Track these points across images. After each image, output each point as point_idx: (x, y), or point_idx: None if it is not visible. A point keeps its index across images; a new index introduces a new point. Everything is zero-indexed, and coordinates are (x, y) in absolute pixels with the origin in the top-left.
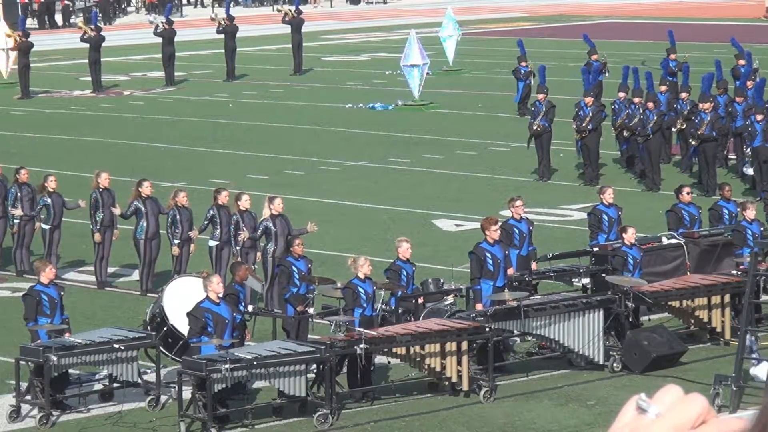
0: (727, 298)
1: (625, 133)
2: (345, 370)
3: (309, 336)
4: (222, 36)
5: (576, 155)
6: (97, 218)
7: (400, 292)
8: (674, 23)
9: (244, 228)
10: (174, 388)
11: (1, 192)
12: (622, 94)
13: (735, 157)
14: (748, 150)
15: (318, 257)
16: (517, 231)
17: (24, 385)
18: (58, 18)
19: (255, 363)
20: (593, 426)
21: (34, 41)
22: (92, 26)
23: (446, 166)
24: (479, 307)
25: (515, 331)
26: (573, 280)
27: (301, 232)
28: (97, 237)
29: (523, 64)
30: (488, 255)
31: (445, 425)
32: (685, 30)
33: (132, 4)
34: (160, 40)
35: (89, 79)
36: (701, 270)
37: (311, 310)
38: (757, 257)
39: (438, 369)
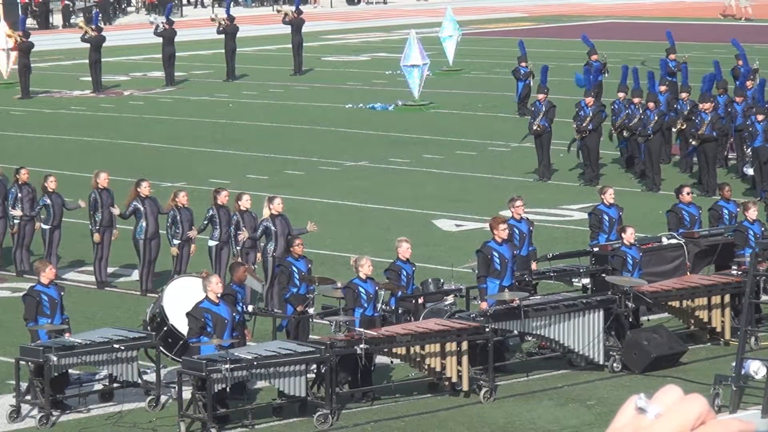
0: (727, 298)
1: (625, 133)
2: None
3: (309, 336)
4: (222, 36)
5: (570, 154)
6: (97, 218)
7: (400, 292)
8: (674, 23)
9: (244, 228)
10: (174, 388)
11: (1, 192)
12: (621, 95)
13: (735, 157)
14: (749, 150)
15: (318, 257)
16: (517, 231)
17: (24, 385)
18: (58, 18)
19: (255, 363)
20: (593, 426)
21: (34, 41)
22: (93, 26)
23: (446, 166)
24: (484, 305)
25: (515, 331)
26: (573, 280)
27: (301, 232)
28: (97, 237)
29: (523, 64)
30: (495, 254)
31: (445, 425)
32: (685, 30)
33: (132, 4)
34: (160, 40)
35: (89, 79)
36: (697, 270)
37: (311, 310)
38: (757, 257)
39: (438, 369)
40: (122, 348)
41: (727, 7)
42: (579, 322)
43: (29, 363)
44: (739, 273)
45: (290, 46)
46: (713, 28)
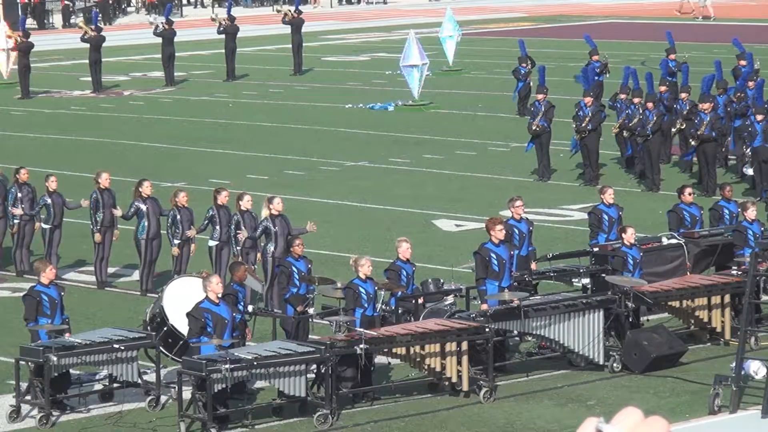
0: (727, 298)
1: (625, 133)
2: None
3: (309, 336)
4: (222, 36)
5: (569, 154)
6: (97, 218)
7: (400, 292)
8: (674, 23)
9: (243, 228)
10: (174, 388)
11: (1, 192)
12: (623, 95)
13: (735, 157)
14: (748, 150)
15: (318, 257)
16: (516, 231)
17: (24, 385)
18: (58, 18)
19: (255, 363)
20: None
21: (33, 41)
22: (93, 26)
23: (446, 166)
24: (484, 307)
25: (515, 331)
26: (573, 280)
27: (300, 232)
28: (97, 237)
29: (523, 64)
30: (493, 255)
31: (445, 425)
32: (685, 30)
33: (132, 4)
34: (160, 40)
35: (89, 79)
36: (697, 270)
37: (311, 311)
38: (757, 257)
39: (438, 369)
40: (122, 348)
41: (683, 4)
42: (579, 322)
43: (29, 363)
44: (739, 273)
45: (290, 46)
46: (713, 28)
